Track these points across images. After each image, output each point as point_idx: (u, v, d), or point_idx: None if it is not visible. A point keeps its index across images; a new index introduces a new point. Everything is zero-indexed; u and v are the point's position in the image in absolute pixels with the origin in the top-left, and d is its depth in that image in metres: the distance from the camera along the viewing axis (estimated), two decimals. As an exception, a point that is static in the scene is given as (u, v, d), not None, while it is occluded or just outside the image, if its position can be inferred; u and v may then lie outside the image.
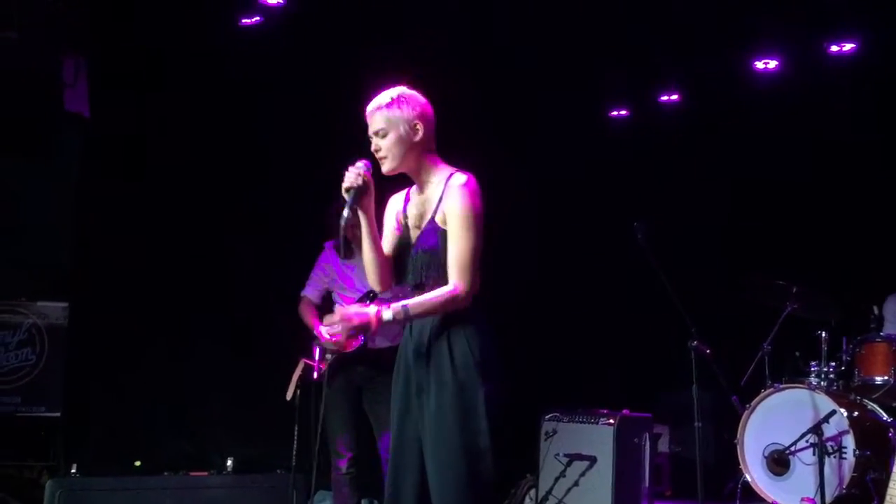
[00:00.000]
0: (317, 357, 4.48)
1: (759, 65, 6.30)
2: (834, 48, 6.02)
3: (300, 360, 4.61)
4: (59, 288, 5.18)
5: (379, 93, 2.98)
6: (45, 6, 5.04)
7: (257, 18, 5.67)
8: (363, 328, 2.85)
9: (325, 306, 4.69)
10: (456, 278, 2.83)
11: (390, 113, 2.92)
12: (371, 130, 2.96)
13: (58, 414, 5.02)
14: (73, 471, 4.40)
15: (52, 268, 5.25)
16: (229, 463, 4.59)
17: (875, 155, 6.08)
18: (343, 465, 4.39)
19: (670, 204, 6.56)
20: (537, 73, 6.22)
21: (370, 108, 2.96)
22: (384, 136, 2.93)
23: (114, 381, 5.35)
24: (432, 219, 2.93)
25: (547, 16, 5.77)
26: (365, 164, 2.93)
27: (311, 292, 4.65)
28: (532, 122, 6.44)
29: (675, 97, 6.81)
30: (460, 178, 2.92)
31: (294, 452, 4.50)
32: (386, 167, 2.96)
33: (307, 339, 4.57)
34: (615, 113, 7.15)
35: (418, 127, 2.93)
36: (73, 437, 5.15)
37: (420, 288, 2.92)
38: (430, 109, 2.99)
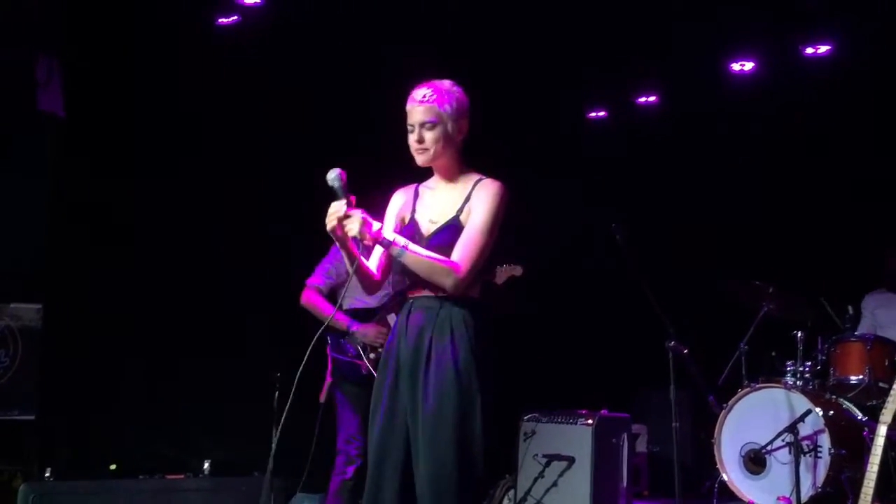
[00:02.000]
0: (351, 353, 4.25)
1: (736, 66, 6.35)
2: (809, 50, 6.08)
3: (329, 356, 4.34)
4: (33, 290, 5.12)
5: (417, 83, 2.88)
6: (18, 5, 4.98)
7: (235, 18, 5.64)
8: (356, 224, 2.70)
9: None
10: (459, 256, 2.79)
11: (441, 108, 2.85)
12: (416, 120, 2.86)
13: (32, 417, 4.95)
14: (46, 475, 4.33)
15: (25, 269, 5.18)
16: (206, 465, 4.54)
17: (850, 156, 6.14)
18: (351, 472, 4.20)
19: (648, 204, 6.59)
20: (515, 74, 6.22)
21: (419, 96, 2.86)
22: (431, 128, 2.85)
23: (88, 384, 5.29)
24: (456, 217, 2.88)
25: (525, 18, 5.77)
26: (339, 175, 2.74)
27: (320, 282, 4.38)
28: (510, 122, 6.44)
29: (652, 98, 6.85)
30: (495, 182, 2.91)
31: (272, 455, 4.46)
32: (422, 159, 2.89)
33: (313, 331, 4.39)
34: (593, 114, 7.18)
35: (462, 126, 2.91)
36: (46, 440, 5.09)
37: (429, 285, 2.84)
38: (468, 109, 2.93)
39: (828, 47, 6.03)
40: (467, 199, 2.90)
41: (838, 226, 6.18)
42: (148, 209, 5.53)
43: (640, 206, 6.47)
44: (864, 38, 5.83)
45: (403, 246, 2.79)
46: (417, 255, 2.79)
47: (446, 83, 2.92)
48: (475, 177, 2.96)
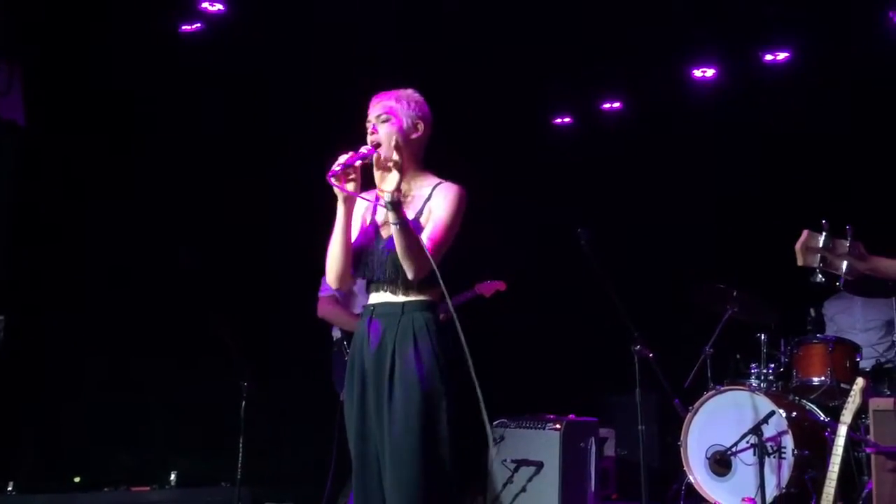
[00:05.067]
0: None
1: (698, 73, 6.45)
2: (768, 57, 6.19)
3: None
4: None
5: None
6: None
7: (198, 25, 5.61)
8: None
9: None
10: (429, 244, 2.79)
11: (397, 103, 2.96)
12: (373, 114, 2.97)
13: (-7, 430, 4.88)
14: (9, 488, 4.28)
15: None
16: (172, 477, 4.50)
17: (809, 160, 6.24)
18: None
19: (613, 209, 6.65)
20: (481, 81, 6.25)
21: (378, 96, 2.99)
22: (385, 121, 2.94)
23: (52, 395, 5.23)
24: (415, 219, 2.90)
25: (491, 24, 5.81)
26: (369, 151, 2.86)
27: (334, 291, 4.38)
28: (476, 128, 6.46)
29: (617, 104, 6.93)
30: (456, 185, 2.97)
31: (239, 465, 4.44)
32: (381, 154, 2.88)
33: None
34: (559, 120, 7.24)
35: (419, 126, 2.98)
36: (9, 452, 5.01)
37: (392, 283, 2.87)
38: (430, 117, 3.02)
39: (786, 54, 6.15)
40: (427, 200, 2.93)
41: (800, 228, 6.27)
42: (111, 217, 5.47)
43: (605, 210, 6.52)
44: (820, 46, 5.95)
45: (401, 204, 2.77)
46: (407, 223, 2.78)
47: (408, 90, 3.04)
48: (435, 180, 3.00)
